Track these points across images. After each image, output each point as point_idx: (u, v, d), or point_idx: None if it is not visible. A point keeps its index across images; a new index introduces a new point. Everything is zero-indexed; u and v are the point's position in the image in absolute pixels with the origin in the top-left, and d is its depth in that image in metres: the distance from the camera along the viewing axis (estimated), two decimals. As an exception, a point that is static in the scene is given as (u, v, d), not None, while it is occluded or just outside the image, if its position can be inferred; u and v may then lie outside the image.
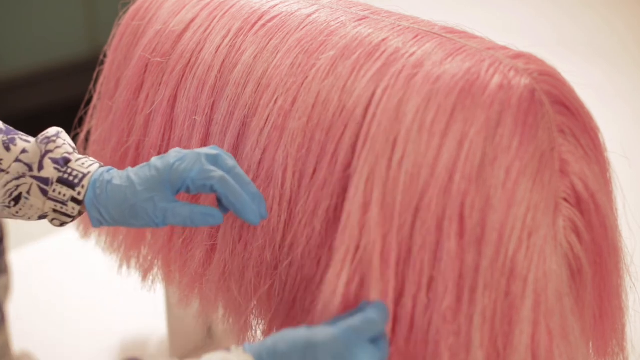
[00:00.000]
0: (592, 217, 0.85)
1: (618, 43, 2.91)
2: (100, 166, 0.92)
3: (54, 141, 0.91)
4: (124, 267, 1.19)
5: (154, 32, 1.09)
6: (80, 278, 1.75)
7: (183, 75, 1.04)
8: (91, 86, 1.20)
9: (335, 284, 0.80)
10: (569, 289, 0.84)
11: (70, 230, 1.16)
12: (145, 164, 0.89)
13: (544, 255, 0.78)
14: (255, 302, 0.97)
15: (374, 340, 0.78)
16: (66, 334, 1.21)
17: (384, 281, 0.80)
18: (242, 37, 0.99)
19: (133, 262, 1.18)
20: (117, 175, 0.89)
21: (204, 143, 1.01)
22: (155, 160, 0.88)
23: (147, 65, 1.08)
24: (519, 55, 0.85)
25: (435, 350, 0.79)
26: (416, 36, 0.89)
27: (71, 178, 0.90)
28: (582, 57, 2.62)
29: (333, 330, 0.77)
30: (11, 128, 0.93)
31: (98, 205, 0.89)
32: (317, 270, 0.88)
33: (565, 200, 0.83)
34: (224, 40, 1.01)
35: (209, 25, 1.04)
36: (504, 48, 0.87)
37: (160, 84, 1.06)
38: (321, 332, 0.77)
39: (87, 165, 0.91)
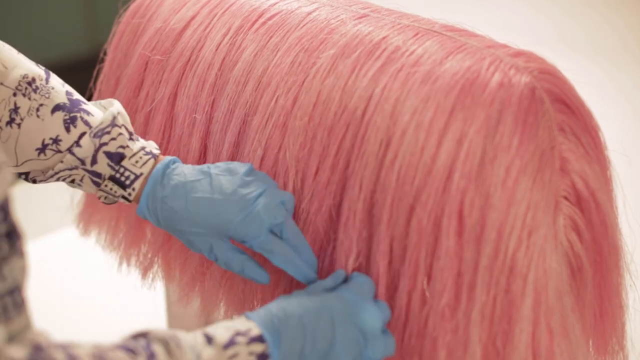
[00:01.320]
0: (592, 215, 0.85)
1: (618, 41, 2.90)
2: (156, 162, 0.91)
3: (109, 132, 0.89)
4: (124, 265, 1.19)
5: (154, 30, 1.09)
6: (80, 276, 1.75)
7: (183, 73, 1.04)
8: (91, 84, 1.20)
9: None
10: (569, 287, 0.84)
11: (69, 229, 1.15)
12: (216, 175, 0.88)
13: (544, 253, 0.78)
14: (259, 300, 0.97)
15: (376, 302, 0.82)
16: (65, 332, 1.21)
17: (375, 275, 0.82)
18: (242, 35, 0.99)
19: (133, 260, 1.18)
20: (176, 194, 0.88)
21: (204, 141, 1.01)
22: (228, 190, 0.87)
23: (147, 63, 1.08)
24: (519, 54, 0.85)
25: (432, 346, 0.79)
26: (416, 34, 0.89)
27: (123, 178, 0.90)
28: (583, 55, 2.62)
29: (342, 292, 0.81)
30: (77, 99, 0.93)
31: (149, 215, 0.90)
32: (322, 268, 0.88)
33: (566, 198, 0.83)
34: (224, 38, 1.01)
35: (209, 23, 1.04)
36: (504, 46, 0.87)
37: (160, 81, 1.06)
38: (330, 295, 0.81)
39: (141, 163, 0.90)
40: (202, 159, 1.02)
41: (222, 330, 0.76)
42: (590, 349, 0.91)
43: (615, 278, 0.90)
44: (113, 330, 1.14)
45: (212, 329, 0.76)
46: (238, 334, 0.76)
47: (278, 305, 0.79)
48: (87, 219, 1.22)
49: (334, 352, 0.78)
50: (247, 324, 0.77)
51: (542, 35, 2.88)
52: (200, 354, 0.73)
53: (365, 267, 0.85)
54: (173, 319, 1.31)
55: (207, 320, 1.35)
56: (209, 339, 0.74)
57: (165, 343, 0.70)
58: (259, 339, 0.76)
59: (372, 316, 0.79)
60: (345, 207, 0.85)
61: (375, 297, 0.83)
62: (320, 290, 0.82)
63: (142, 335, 0.71)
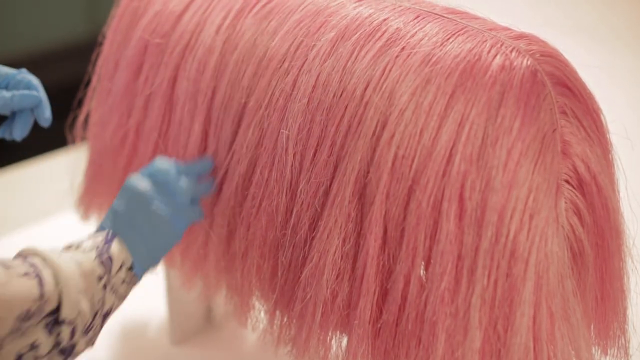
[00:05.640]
0: (594, 199, 0.85)
1: (622, 23, 2.89)
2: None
3: None
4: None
5: (153, 12, 1.08)
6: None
7: (183, 57, 1.03)
8: (90, 68, 1.19)
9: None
10: (570, 271, 0.84)
11: (69, 213, 1.16)
12: None
13: (546, 237, 0.78)
14: (258, 283, 0.97)
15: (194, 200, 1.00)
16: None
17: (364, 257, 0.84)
18: (242, 18, 0.99)
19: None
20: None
21: (205, 126, 1.01)
22: None
23: (146, 47, 1.08)
24: (521, 36, 0.84)
25: (431, 331, 0.79)
26: (417, 17, 0.88)
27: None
28: (585, 37, 2.61)
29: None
30: None
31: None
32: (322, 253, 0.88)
33: (567, 182, 0.83)
34: (224, 22, 1.00)
35: (209, 6, 1.03)
36: (506, 29, 0.86)
37: (159, 65, 1.06)
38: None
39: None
40: (202, 143, 1.02)
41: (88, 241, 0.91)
42: (592, 333, 0.91)
43: (617, 262, 0.89)
44: (113, 314, 1.15)
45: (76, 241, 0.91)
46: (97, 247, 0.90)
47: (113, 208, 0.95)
48: (87, 202, 1.22)
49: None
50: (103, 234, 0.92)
51: (544, 18, 2.87)
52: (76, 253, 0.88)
53: (354, 248, 0.85)
54: (174, 303, 1.31)
55: (209, 304, 1.35)
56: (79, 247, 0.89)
57: (41, 255, 0.84)
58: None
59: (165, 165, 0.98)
60: (334, 187, 0.85)
61: (362, 279, 0.84)
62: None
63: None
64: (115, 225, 0.93)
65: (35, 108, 0.98)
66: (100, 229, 0.94)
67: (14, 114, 0.97)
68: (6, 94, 0.95)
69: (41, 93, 0.98)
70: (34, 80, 0.99)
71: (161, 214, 0.95)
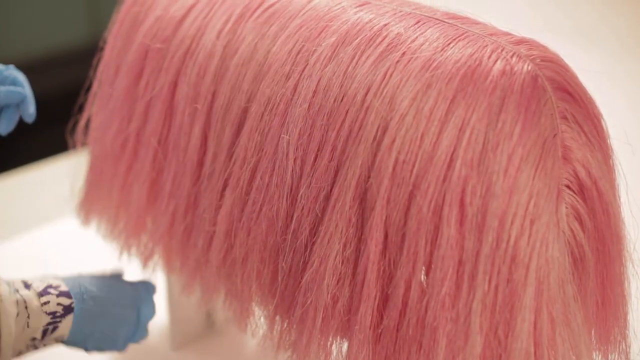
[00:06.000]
0: (594, 204, 0.85)
1: (622, 29, 2.89)
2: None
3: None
4: (125, 255, 1.19)
5: (154, 18, 1.08)
6: (80, 266, 1.74)
7: (184, 62, 1.03)
8: (91, 73, 1.19)
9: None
10: (571, 276, 0.84)
11: (69, 218, 1.16)
12: None
13: (547, 242, 0.78)
14: (258, 288, 0.97)
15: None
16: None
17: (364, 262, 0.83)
18: (243, 22, 0.99)
19: (133, 249, 1.18)
20: None
21: (205, 131, 1.01)
22: None
23: (147, 52, 1.08)
24: (521, 41, 0.84)
25: (432, 336, 0.79)
26: (418, 22, 0.88)
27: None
28: (585, 42, 2.61)
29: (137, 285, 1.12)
30: None
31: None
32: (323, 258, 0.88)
33: (568, 187, 0.83)
34: (225, 27, 1.00)
35: (210, 11, 1.03)
36: (507, 34, 0.86)
37: (160, 70, 1.06)
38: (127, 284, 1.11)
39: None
40: (202, 148, 1.02)
41: (37, 282, 1.00)
42: (593, 338, 0.91)
43: (618, 267, 0.89)
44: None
45: (28, 279, 1.00)
46: (50, 286, 1.00)
47: (87, 280, 1.05)
48: (87, 208, 1.22)
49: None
50: (57, 281, 1.02)
51: (545, 22, 2.87)
52: (19, 290, 0.96)
53: (354, 253, 0.85)
54: (174, 309, 1.31)
55: (209, 309, 1.35)
56: (27, 285, 0.98)
57: None
58: (67, 294, 1.01)
59: (150, 310, 1.11)
60: (335, 192, 0.85)
61: (362, 284, 0.84)
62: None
63: None
64: (83, 304, 1.02)
65: (21, 104, 1.02)
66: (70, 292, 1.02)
67: None
68: None
69: (27, 89, 1.02)
70: (20, 77, 1.03)
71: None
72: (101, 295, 1.05)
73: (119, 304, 1.07)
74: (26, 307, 0.96)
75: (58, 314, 0.99)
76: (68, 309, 1.01)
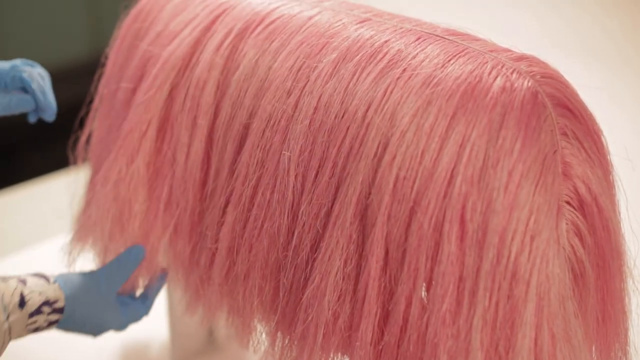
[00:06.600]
0: (595, 220, 0.85)
1: (622, 44, 2.90)
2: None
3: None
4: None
5: (155, 33, 1.08)
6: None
7: (183, 76, 1.03)
8: (93, 88, 1.20)
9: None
10: (571, 292, 0.84)
11: (69, 235, 1.16)
12: None
13: (547, 258, 0.78)
14: (260, 305, 0.97)
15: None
16: (65, 338, 1.20)
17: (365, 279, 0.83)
18: (244, 38, 0.99)
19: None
20: None
21: (207, 145, 1.01)
22: None
23: (146, 66, 1.08)
24: (521, 58, 0.85)
25: (433, 352, 0.79)
26: (418, 38, 0.88)
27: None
28: (585, 58, 2.61)
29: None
30: None
31: None
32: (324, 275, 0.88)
33: (568, 203, 0.83)
34: (225, 40, 1.00)
35: (211, 26, 1.03)
36: (507, 50, 0.86)
37: (158, 85, 1.06)
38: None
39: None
40: (204, 164, 1.02)
41: (36, 294, 0.96)
42: (593, 355, 0.91)
43: (618, 283, 0.89)
44: (114, 336, 1.15)
45: (29, 290, 0.95)
46: (46, 303, 0.96)
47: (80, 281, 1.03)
48: (82, 241, 1.19)
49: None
50: (57, 294, 0.98)
51: (546, 39, 2.88)
52: (10, 315, 0.92)
53: (355, 269, 0.85)
54: (175, 324, 1.31)
55: (211, 324, 1.35)
56: (22, 303, 0.93)
57: None
58: (60, 311, 0.98)
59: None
60: (336, 208, 0.85)
61: (363, 300, 0.84)
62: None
63: None
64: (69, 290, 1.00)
65: (34, 110, 1.04)
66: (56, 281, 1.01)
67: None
68: (2, 99, 1.00)
69: (35, 85, 1.02)
70: (26, 76, 1.02)
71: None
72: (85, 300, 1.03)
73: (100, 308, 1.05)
74: (10, 334, 0.93)
75: (42, 328, 0.98)
76: (53, 323, 1.00)
